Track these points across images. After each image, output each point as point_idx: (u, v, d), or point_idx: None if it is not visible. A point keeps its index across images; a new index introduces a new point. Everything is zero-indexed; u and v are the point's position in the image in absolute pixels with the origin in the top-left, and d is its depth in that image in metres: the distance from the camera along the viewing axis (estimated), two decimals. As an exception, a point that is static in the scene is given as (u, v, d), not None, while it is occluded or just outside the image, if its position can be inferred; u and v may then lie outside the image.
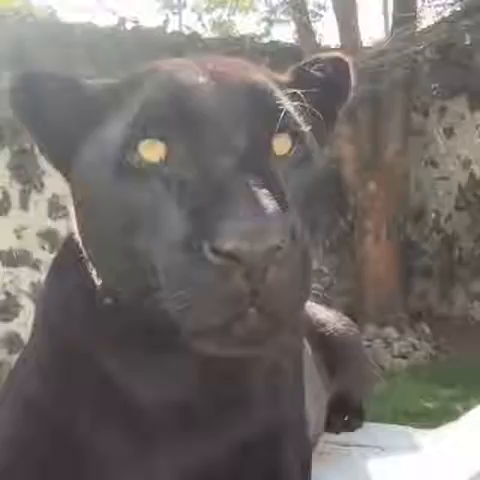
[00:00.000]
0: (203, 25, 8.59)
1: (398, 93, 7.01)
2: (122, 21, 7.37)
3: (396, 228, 7.27)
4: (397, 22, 6.82)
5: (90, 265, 1.05)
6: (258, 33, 7.53)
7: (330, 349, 1.84)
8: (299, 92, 1.01)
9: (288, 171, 0.97)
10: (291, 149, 0.99)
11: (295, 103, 1.01)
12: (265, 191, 0.86)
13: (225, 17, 9.20)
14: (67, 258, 1.12)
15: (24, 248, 6.62)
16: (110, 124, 0.99)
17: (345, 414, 1.96)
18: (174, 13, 8.43)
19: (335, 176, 7.52)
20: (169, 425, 1.07)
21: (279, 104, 0.97)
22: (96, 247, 1.02)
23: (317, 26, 7.57)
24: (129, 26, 7.40)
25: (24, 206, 6.66)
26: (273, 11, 7.54)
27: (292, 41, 7.64)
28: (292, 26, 7.53)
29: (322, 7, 7.46)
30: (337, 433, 1.91)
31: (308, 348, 1.75)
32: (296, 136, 0.99)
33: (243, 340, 0.86)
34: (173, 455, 1.07)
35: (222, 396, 1.09)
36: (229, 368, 1.03)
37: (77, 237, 1.06)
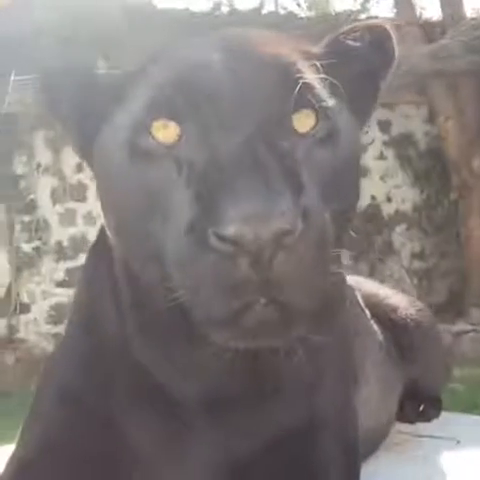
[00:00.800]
0: (299, 4, 8.47)
1: (504, 65, 6.65)
2: (217, 5, 7.39)
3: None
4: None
5: (114, 248, 1.04)
6: (355, 9, 7.34)
7: (403, 335, 1.77)
8: (325, 64, 0.95)
9: (311, 149, 0.91)
10: (315, 126, 0.92)
11: (322, 77, 0.94)
12: (275, 172, 0.80)
13: (321, -5, 9.04)
14: (102, 243, 1.11)
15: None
16: (124, 107, 0.97)
17: (420, 403, 1.87)
18: (269, -6, 8.36)
19: (437, 153, 7.27)
20: (204, 418, 1.05)
21: (299, 77, 0.90)
22: (116, 231, 1.00)
23: (417, -1, 7.26)
24: (225, 10, 7.41)
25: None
26: (370, -15, 7.34)
27: (391, 15, 7.39)
28: (390, 0, 7.30)
29: (421, -21, 7.18)
30: (412, 423, 1.83)
31: (379, 334, 1.68)
32: (320, 112, 0.92)
33: (254, 332, 0.82)
34: (208, 448, 1.05)
35: (258, 388, 1.05)
36: (264, 360, 0.99)
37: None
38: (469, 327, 6.13)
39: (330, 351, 1.10)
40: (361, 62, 1.02)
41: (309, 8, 8.69)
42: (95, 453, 1.08)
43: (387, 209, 7.37)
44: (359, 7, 7.36)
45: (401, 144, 7.43)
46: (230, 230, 0.76)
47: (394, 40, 1.05)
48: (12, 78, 5.73)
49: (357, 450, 1.19)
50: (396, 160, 7.41)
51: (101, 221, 1.09)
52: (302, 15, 8.13)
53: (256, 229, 0.75)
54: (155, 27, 6.70)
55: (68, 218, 6.79)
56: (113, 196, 0.98)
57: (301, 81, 0.90)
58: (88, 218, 6.78)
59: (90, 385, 1.11)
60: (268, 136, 0.86)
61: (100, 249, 1.13)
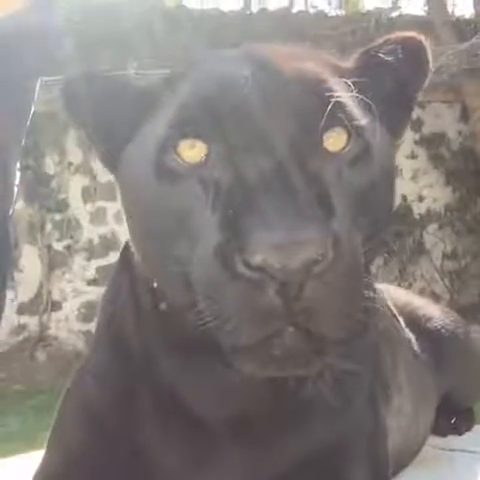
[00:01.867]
0: (329, 3, 8.38)
1: None
2: (247, 4, 7.36)
3: None
4: None
5: (140, 267, 1.02)
6: (386, 7, 7.25)
7: (437, 345, 1.74)
8: (357, 80, 0.92)
9: (343, 170, 0.88)
10: (346, 145, 0.89)
11: (354, 93, 0.91)
12: (304, 196, 0.78)
13: (352, -7, 8.95)
14: (129, 259, 1.09)
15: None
16: (153, 123, 0.95)
17: (453, 416, 1.84)
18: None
19: (470, 152, 7.17)
20: (228, 438, 1.03)
21: (330, 96, 0.88)
22: (141, 249, 0.99)
23: (449, -5, 7.16)
24: (255, 9, 7.38)
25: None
26: (401, -17, 7.24)
27: (423, 13, 7.30)
28: (422, -2, 7.21)
29: (454, -24, 7.08)
30: (444, 436, 1.80)
31: (413, 342, 1.66)
32: (352, 130, 0.89)
33: (282, 361, 0.79)
34: (231, 469, 1.04)
35: (282, 409, 1.03)
36: (290, 384, 0.97)
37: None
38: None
39: (359, 374, 1.09)
40: (394, 76, 0.99)
41: (339, 6, 8.61)
42: (118, 475, 1.07)
43: (418, 209, 7.30)
44: (390, 5, 7.25)
45: (433, 143, 7.34)
46: (257, 258, 0.74)
47: (428, 52, 1.02)
48: (43, 78, 5.79)
49: (387, 473, 1.17)
50: (428, 159, 7.32)
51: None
52: (332, 14, 8.07)
53: (284, 257, 0.73)
54: (186, 27, 6.72)
55: (99, 217, 6.83)
56: (138, 213, 0.96)
57: (332, 99, 0.87)
58: (118, 217, 6.80)
59: (113, 405, 1.10)
60: (298, 157, 0.84)
61: (125, 264, 1.11)
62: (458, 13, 7.26)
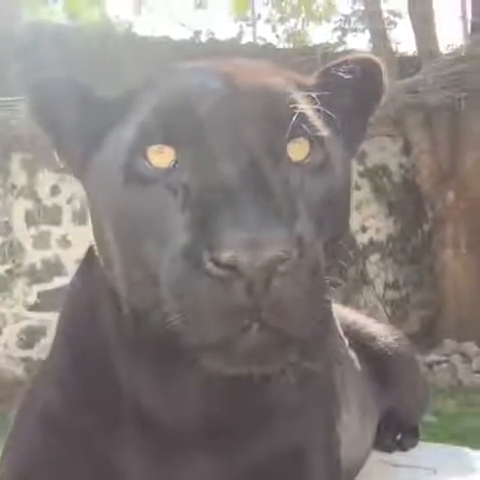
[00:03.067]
0: (277, 36, 8.58)
1: (478, 100, 6.79)
2: (197, 34, 7.47)
3: (476, 239, 7.03)
4: (476, 27, 6.63)
5: (105, 271, 1.02)
6: (332, 42, 7.46)
7: (382, 364, 1.77)
8: (318, 95, 0.96)
9: (304, 178, 0.92)
10: (308, 154, 0.93)
11: (315, 107, 0.96)
12: (270, 199, 0.81)
13: (299, 27, 9.17)
14: (91, 263, 1.10)
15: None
16: (121, 129, 0.97)
17: (398, 432, 1.88)
18: (248, 25, 8.47)
19: (412, 185, 7.36)
20: (187, 440, 1.04)
21: (294, 108, 0.92)
22: (107, 253, 0.99)
23: (392, 34, 7.41)
24: (204, 39, 7.49)
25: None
26: (347, 20, 7.45)
27: (367, 49, 7.53)
28: (367, 34, 7.44)
29: (397, 14, 7.31)
30: (389, 452, 1.83)
31: (357, 362, 1.69)
32: (314, 141, 0.93)
33: (247, 357, 0.82)
34: (191, 471, 1.04)
35: (242, 412, 1.05)
36: (253, 385, 0.99)
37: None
38: (442, 358, 6.16)
39: (315, 378, 1.11)
40: (352, 94, 1.04)
41: (287, 40, 8.81)
42: (76, 477, 1.06)
43: (362, 239, 7.44)
44: (336, 40, 7.47)
45: (376, 175, 7.52)
46: (226, 255, 0.77)
47: (383, 73, 1.07)
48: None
49: (340, 477, 1.19)
50: (371, 191, 7.49)
51: (90, 240, 1.08)
52: (280, 46, 8.25)
53: (252, 255, 0.76)
54: (135, 54, 6.75)
55: (42, 241, 6.73)
56: (106, 217, 0.97)
57: (296, 111, 0.91)
58: (62, 241, 6.73)
59: (73, 411, 1.09)
60: (264, 163, 0.87)
61: (88, 269, 1.12)
62: (401, 50, 7.50)
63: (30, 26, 6.84)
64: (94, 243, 1.04)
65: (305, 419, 1.12)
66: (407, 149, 7.41)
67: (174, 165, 0.90)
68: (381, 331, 1.86)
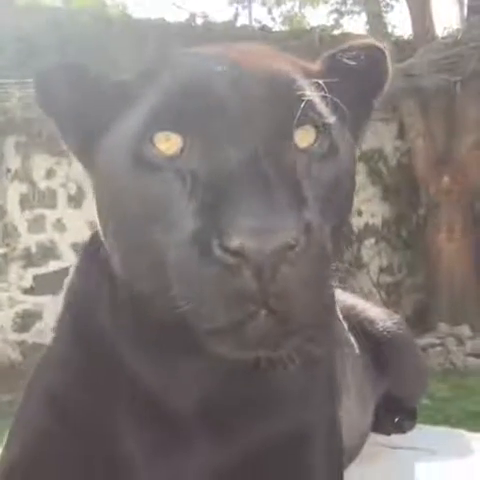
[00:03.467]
0: (273, 18, 8.54)
1: (473, 84, 6.79)
2: (192, 16, 7.42)
3: (470, 223, 7.06)
4: (472, 10, 6.62)
5: (110, 257, 1.03)
6: (328, 25, 7.43)
7: (380, 347, 1.79)
8: (323, 82, 0.96)
9: (311, 164, 0.92)
10: (315, 141, 0.93)
11: (321, 93, 0.95)
12: (279, 186, 0.81)
13: (296, 10, 9.13)
14: (94, 248, 1.10)
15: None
16: (128, 115, 0.97)
17: (396, 415, 1.90)
18: (244, 7, 8.43)
19: (407, 169, 7.37)
20: (188, 423, 1.05)
21: (301, 94, 0.92)
22: (113, 238, 1.00)
23: (389, 17, 7.38)
24: (199, 21, 7.45)
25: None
26: (344, 2, 7.43)
27: (363, 33, 7.51)
28: (363, 17, 7.41)
29: (394, -3, 7.31)
30: (388, 434, 1.85)
31: (355, 346, 1.70)
32: (320, 128, 0.93)
33: (255, 342, 0.82)
34: (192, 453, 1.05)
35: (247, 396, 1.06)
36: (260, 370, 1.00)
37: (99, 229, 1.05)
38: (436, 341, 6.21)
39: (319, 362, 1.12)
40: (356, 80, 1.04)
41: (283, 22, 8.77)
42: (83, 462, 1.07)
43: (357, 223, 7.45)
44: (333, 23, 7.44)
45: (371, 159, 7.52)
46: (235, 242, 0.77)
47: (388, 60, 1.07)
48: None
49: (341, 462, 1.20)
50: (366, 174, 7.50)
51: (95, 224, 1.08)
52: (276, 29, 8.21)
53: (261, 242, 0.76)
54: (130, 36, 6.71)
55: (37, 224, 6.72)
56: (114, 203, 0.97)
57: (304, 98, 0.91)
58: (57, 225, 6.73)
59: (79, 392, 1.10)
60: (272, 150, 0.87)
61: (92, 253, 1.12)
62: (397, 33, 7.48)
63: (24, 9, 6.79)
64: (99, 228, 1.04)
65: (308, 403, 1.13)
66: (402, 133, 7.42)
67: (181, 152, 0.90)
68: (380, 315, 1.87)
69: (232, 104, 0.90)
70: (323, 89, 0.96)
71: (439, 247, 7.03)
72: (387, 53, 1.08)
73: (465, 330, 6.51)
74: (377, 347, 1.77)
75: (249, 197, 0.79)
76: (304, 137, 0.93)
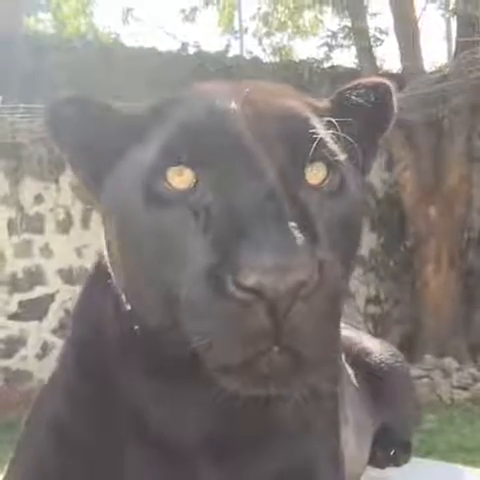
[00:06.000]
0: (264, 50, 8.63)
1: (461, 118, 6.89)
2: (184, 46, 7.48)
3: (457, 256, 7.11)
4: (460, 47, 6.73)
5: (119, 290, 1.03)
6: (318, 58, 7.50)
7: (376, 379, 1.79)
8: (335, 120, 0.97)
9: (322, 201, 0.93)
10: (325, 178, 0.94)
11: (332, 131, 0.97)
12: (293, 223, 0.82)
13: (285, 42, 9.25)
14: (99, 279, 1.11)
15: (84, 266, 6.73)
16: (140, 149, 0.97)
17: (391, 448, 1.89)
18: (236, 38, 8.53)
19: (395, 201, 7.42)
20: (192, 457, 1.04)
21: (313, 132, 0.93)
22: (123, 272, 1.00)
23: (378, 51, 7.49)
24: (191, 51, 7.50)
25: (85, 225, 6.79)
26: (333, 36, 7.52)
27: (353, 66, 7.59)
28: (353, 51, 7.50)
29: (384, 32, 7.38)
30: (382, 468, 1.84)
31: (352, 378, 1.70)
32: (331, 165, 0.95)
33: (267, 379, 0.82)
34: None
35: (252, 430, 1.06)
36: (258, 403, 0.99)
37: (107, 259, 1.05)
38: (423, 373, 6.20)
39: (323, 396, 1.12)
40: (364, 118, 1.05)
41: (274, 54, 8.86)
42: None
43: (344, 253, 7.46)
44: (323, 56, 7.52)
45: (359, 190, 7.56)
46: (251, 279, 0.77)
47: (394, 98, 1.09)
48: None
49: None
50: (354, 206, 7.52)
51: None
52: (267, 60, 8.29)
53: (277, 279, 0.77)
54: (122, 65, 6.75)
55: (24, 250, 6.68)
56: (124, 236, 0.97)
57: (316, 135, 0.92)
58: (45, 250, 6.69)
59: (81, 421, 1.10)
60: (286, 186, 0.88)
61: (97, 282, 1.12)
62: (386, 67, 7.58)
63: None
64: (107, 259, 1.05)
65: (312, 437, 1.13)
66: (390, 165, 7.48)
67: (194, 187, 0.91)
68: (376, 347, 1.88)
69: (246, 141, 0.90)
70: (334, 127, 0.97)
71: (426, 279, 7.06)
72: (393, 91, 1.10)
73: (451, 362, 6.51)
74: (374, 379, 1.78)
75: (264, 234, 0.80)
76: (315, 174, 0.94)
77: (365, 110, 1.05)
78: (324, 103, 1.07)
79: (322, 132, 0.94)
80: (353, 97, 1.06)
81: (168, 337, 0.91)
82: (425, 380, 6.13)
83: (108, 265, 1.05)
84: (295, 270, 0.77)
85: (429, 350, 6.64)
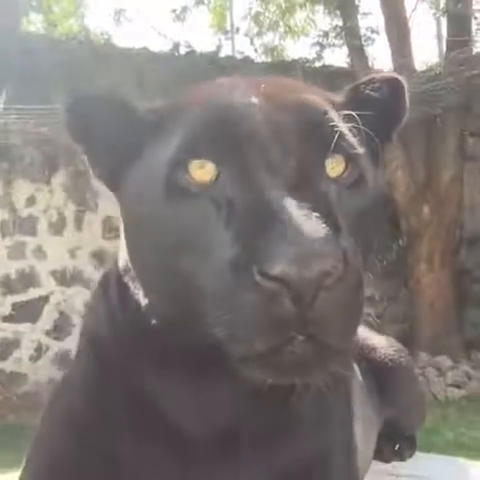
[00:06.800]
0: (255, 49, 8.64)
1: (453, 117, 6.93)
2: (176, 46, 7.48)
3: (450, 255, 7.14)
4: (451, 46, 6.77)
5: (137, 284, 1.03)
6: (310, 57, 7.53)
7: (381, 375, 1.80)
8: (354, 113, 0.98)
9: (341, 193, 0.94)
10: (344, 171, 0.95)
11: (350, 124, 0.98)
12: (317, 214, 0.83)
13: (277, 42, 9.26)
14: (113, 278, 1.11)
15: (78, 267, 6.73)
16: (161, 144, 0.98)
17: (396, 442, 1.91)
18: (227, 38, 8.54)
19: (388, 200, 7.45)
20: (213, 451, 1.05)
21: (333, 125, 0.94)
22: (143, 266, 1.00)
23: (370, 50, 7.52)
24: (183, 51, 7.51)
25: (78, 226, 6.78)
26: (325, 35, 7.55)
27: (344, 65, 7.62)
28: (344, 50, 7.53)
29: (375, 31, 7.42)
30: (387, 462, 1.86)
31: (358, 373, 1.71)
32: (350, 158, 0.96)
33: (291, 368, 0.83)
34: None
35: (268, 423, 1.06)
36: (276, 394, 1.00)
37: (125, 256, 1.06)
38: (417, 370, 6.23)
39: (339, 386, 1.13)
40: (378, 112, 1.06)
41: (265, 53, 8.88)
42: None
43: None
44: (314, 55, 7.54)
45: (352, 190, 7.58)
46: (277, 269, 0.78)
47: (407, 92, 1.10)
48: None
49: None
50: (347, 205, 7.54)
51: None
52: (258, 60, 8.31)
53: (302, 269, 0.78)
54: (114, 65, 6.75)
55: (17, 251, 6.66)
56: (145, 230, 0.98)
57: (336, 128, 0.94)
58: (37, 252, 6.68)
59: (98, 416, 1.10)
60: (307, 179, 0.89)
61: (112, 278, 1.13)
62: (378, 66, 7.60)
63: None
64: (125, 255, 1.05)
65: (328, 428, 1.13)
66: (383, 165, 7.51)
67: (216, 180, 0.92)
68: (381, 343, 1.89)
69: (266, 134, 0.91)
70: (352, 120, 0.98)
71: (419, 277, 7.09)
72: (406, 86, 1.11)
73: (445, 361, 6.55)
74: (379, 375, 1.79)
75: (288, 225, 0.81)
76: (335, 167, 0.95)
77: (379, 104, 1.06)
78: (339, 97, 1.08)
79: (341, 125, 0.96)
80: (367, 91, 1.07)
81: (187, 329, 0.92)
82: (419, 378, 6.16)
83: (124, 262, 1.06)
84: (320, 259, 0.78)
85: (423, 348, 6.67)
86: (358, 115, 1.00)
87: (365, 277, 0.95)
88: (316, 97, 1.00)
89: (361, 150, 0.97)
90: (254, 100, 0.95)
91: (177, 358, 1.01)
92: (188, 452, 1.05)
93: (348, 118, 0.98)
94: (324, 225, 0.82)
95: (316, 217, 0.82)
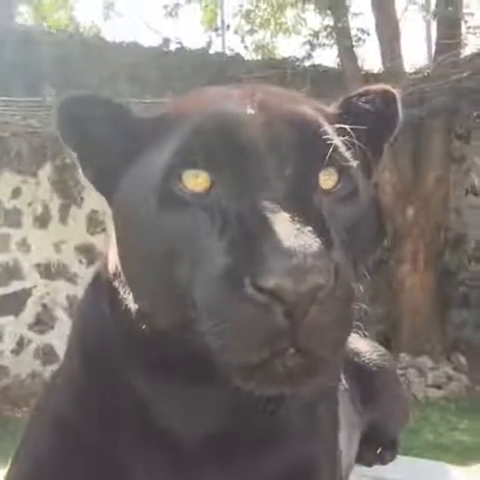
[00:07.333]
0: (246, 47, 8.63)
1: (440, 120, 6.96)
2: (166, 42, 7.46)
3: (434, 256, 7.18)
4: (440, 49, 6.80)
5: (127, 290, 1.03)
6: (300, 56, 7.52)
7: (364, 379, 1.81)
8: (347, 127, 0.99)
9: (334, 206, 0.95)
10: (337, 183, 0.96)
11: (343, 137, 0.98)
12: (310, 227, 0.83)
13: (267, 39, 9.26)
14: (104, 279, 1.11)
15: (62, 261, 6.70)
16: (155, 151, 0.98)
17: (378, 446, 1.92)
18: (218, 35, 8.52)
19: (373, 201, 7.47)
20: (203, 456, 1.06)
21: (327, 138, 0.95)
22: (135, 274, 1.00)
23: (360, 51, 7.53)
24: (173, 47, 7.48)
25: (63, 220, 6.75)
26: (315, 35, 7.55)
27: (334, 65, 7.63)
28: (334, 50, 7.53)
29: (365, 32, 7.42)
30: (369, 466, 1.87)
31: (342, 378, 1.72)
32: (343, 171, 0.96)
33: (281, 379, 0.84)
34: None
35: (257, 429, 1.07)
36: (264, 402, 1.00)
37: (116, 260, 1.05)
38: (399, 371, 6.26)
39: (326, 397, 1.14)
40: (371, 124, 1.06)
41: (255, 51, 8.88)
42: None
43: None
44: (304, 54, 7.53)
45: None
46: (270, 282, 0.79)
47: (400, 105, 1.11)
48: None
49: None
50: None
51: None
52: (248, 58, 8.30)
53: (295, 282, 0.78)
54: (103, 59, 6.72)
55: (1, 244, 6.62)
56: (136, 237, 0.98)
57: (329, 141, 0.94)
58: (22, 245, 6.64)
59: (86, 418, 1.10)
60: (300, 191, 0.90)
61: (103, 279, 1.12)
62: (367, 67, 7.62)
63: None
64: (116, 259, 1.05)
65: (314, 437, 1.14)
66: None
67: (209, 190, 0.92)
68: (365, 347, 1.89)
69: (261, 146, 0.92)
70: (345, 133, 0.98)
71: (402, 278, 7.12)
72: (399, 98, 1.12)
73: (426, 361, 6.59)
74: (362, 379, 1.79)
75: (282, 238, 0.81)
76: (328, 179, 0.95)
77: (372, 117, 1.07)
78: (332, 109, 1.08)
79: (335, 138, 0.96)
80: (360, 103, 1.08)
81: (177, 336, 0.92)
82: (401, 379, 6.19)
83: (114, 266, 1.05)
84: (313, 273, 0.79)
85: (404, 349, 6.71)
86: (352, 127, 1.00)
87: (356, 289, 0.96)
88: (310, 109, 1.00)
89: (354, 163, 0.98)
90: (249, 111, 0.95)
91: (168, 363, 1.01)
92: (178, 456, 1.06)
93: (341, 131, 0.99)
94: (317, 239, 0.82)
95: (309, 231, 0.83)
